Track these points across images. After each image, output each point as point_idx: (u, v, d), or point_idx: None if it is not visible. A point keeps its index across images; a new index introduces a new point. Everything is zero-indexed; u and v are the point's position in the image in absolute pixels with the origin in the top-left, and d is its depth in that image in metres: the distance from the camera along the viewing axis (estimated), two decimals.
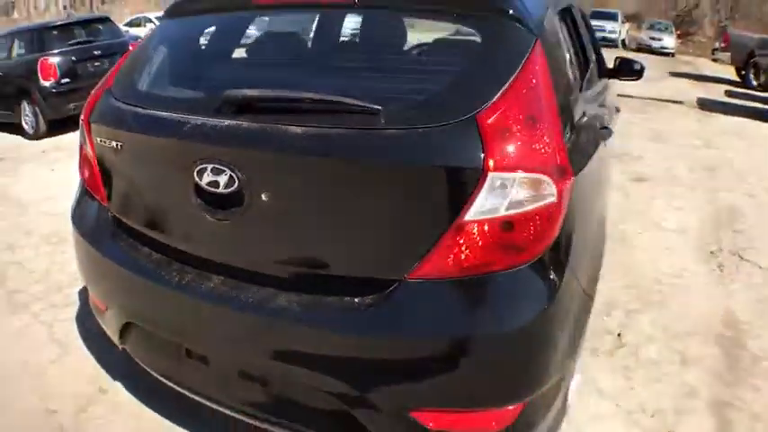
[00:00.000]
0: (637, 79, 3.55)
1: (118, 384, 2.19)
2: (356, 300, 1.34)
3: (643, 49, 19.88)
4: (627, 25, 23.61)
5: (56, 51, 6.94)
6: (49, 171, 5.52)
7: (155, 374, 1.78)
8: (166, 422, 2.00)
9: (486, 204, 1.24)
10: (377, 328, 1.31)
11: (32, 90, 6.82)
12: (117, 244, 1.72)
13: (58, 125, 6.97)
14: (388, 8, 1.67)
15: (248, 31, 2.05)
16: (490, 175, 1.23)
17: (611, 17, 21.68)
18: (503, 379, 1.34)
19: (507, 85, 1.29)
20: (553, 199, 1.27)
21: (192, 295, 1.50)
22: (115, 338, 1.86)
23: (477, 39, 1.50)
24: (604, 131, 2.17)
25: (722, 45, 13.44)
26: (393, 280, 1.31)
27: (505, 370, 1.33)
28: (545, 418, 1.49)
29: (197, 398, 1.67)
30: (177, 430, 1.97)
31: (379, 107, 1.31)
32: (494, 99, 1.27)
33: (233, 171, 1.38)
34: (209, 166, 1.40)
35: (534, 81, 1.32)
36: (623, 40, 21.67)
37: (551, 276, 1.32)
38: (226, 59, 1.97)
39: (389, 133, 1.29)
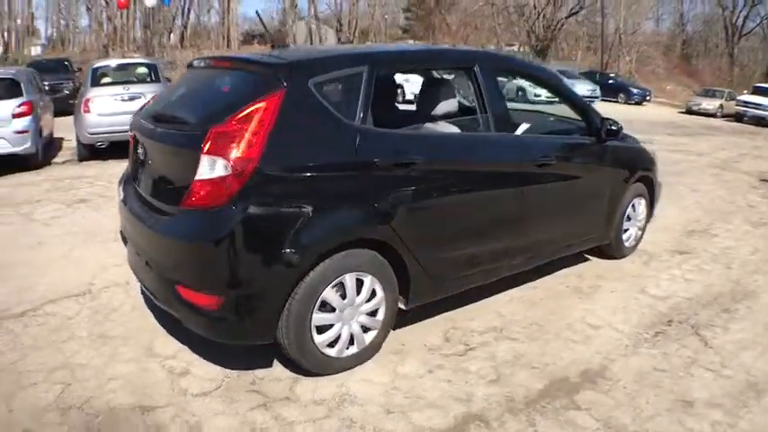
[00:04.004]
0: (614, 138, 3.89)
1: (133, 280, 3.49)
2: (166, 217, 2.57)
3: None
4: None
5: None
6: None
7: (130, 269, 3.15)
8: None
9: (204, 172, 2.34)
10: (169, 232, 2.51)
11: None
12: (127, 191, 3.11)
13: None
14: (228, 68, 3.04)
15: (197, 79, 3.28)
16: (203, 156, 2.33)
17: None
18: (208, 273, 2.38)
19: (235, 112, 2.35)
20: (229, 172, 2.30)
21: (137, 217, 2.80)
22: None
23: (251, 87, 2.56)
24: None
25: None
26: (177, 208, 2.48)
27: (210, 267, 2.39)
28: (247, 318, 2.44)
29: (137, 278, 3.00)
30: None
31: (191, 120, 2.69)
32: (223, 120, 2.36)
33: (143, 148, 2.78)
34: (141, 146, 2.78)
35: (250, 112, 2.33)
36: None
37: (232, 215, 2.33)
38: (177, 94, 3.24)
39: (185, 133, 2.59)
